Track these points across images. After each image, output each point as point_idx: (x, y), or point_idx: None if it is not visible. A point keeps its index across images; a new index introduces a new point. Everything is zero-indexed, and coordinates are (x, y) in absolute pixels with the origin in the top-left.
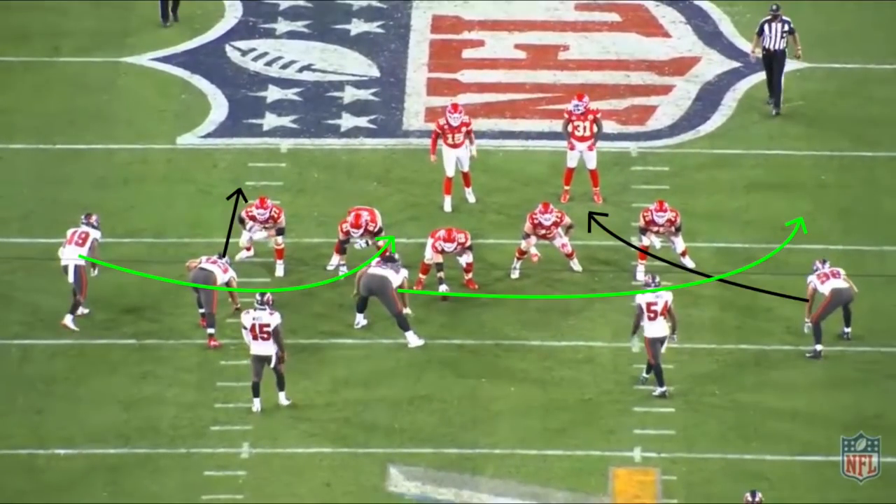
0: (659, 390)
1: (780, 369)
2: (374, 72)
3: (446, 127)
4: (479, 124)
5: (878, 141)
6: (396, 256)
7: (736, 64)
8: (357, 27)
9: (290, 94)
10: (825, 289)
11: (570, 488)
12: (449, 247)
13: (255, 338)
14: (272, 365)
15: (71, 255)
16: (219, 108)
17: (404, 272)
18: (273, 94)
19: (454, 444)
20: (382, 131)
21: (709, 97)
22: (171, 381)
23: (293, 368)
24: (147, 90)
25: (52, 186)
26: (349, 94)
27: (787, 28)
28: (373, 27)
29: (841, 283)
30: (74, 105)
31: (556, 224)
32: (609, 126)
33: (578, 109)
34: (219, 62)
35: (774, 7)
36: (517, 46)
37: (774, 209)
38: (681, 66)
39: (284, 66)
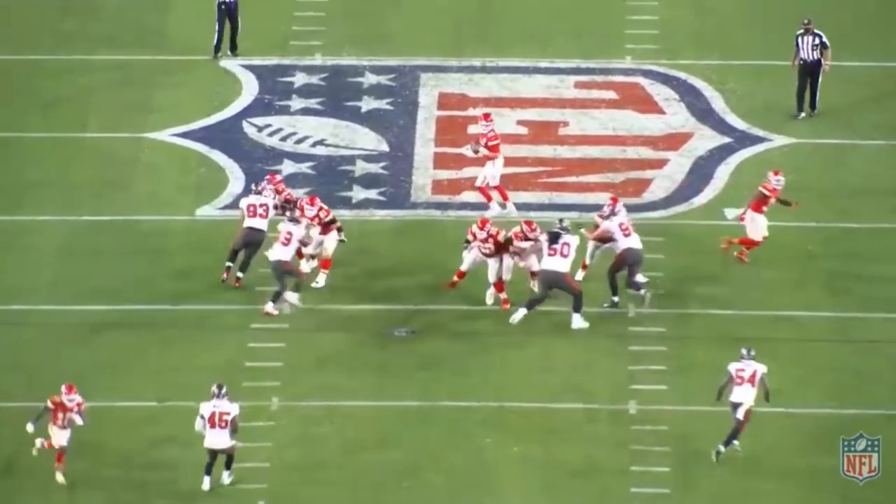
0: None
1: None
2: (384, 146)
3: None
4: (482, 197)
5: (860, 212)
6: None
7: (727, 139)
8: (368, 104)
9: (304, 167)
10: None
11: None
12: (480, 234)
13: (213, 426)
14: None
15: (276, 254)
16: (236, 181)
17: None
18: (287, 167)
19: (460, 502)
20: (391, 203)
21: (701, 171)
22: (187, 444)
23: (307, 432)
24: (168, 164)
25: (79, 257)
26: (360, 168)
27: (818, 42)
28: (383, 104)
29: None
30: (100, 178)
31: (491, 237)
32: (606, 198)
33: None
34: (236, 137)
35: (805, 21)
36: (519, 122)
37: (764, 278)
38: (675, 141)
39: (298, 142)
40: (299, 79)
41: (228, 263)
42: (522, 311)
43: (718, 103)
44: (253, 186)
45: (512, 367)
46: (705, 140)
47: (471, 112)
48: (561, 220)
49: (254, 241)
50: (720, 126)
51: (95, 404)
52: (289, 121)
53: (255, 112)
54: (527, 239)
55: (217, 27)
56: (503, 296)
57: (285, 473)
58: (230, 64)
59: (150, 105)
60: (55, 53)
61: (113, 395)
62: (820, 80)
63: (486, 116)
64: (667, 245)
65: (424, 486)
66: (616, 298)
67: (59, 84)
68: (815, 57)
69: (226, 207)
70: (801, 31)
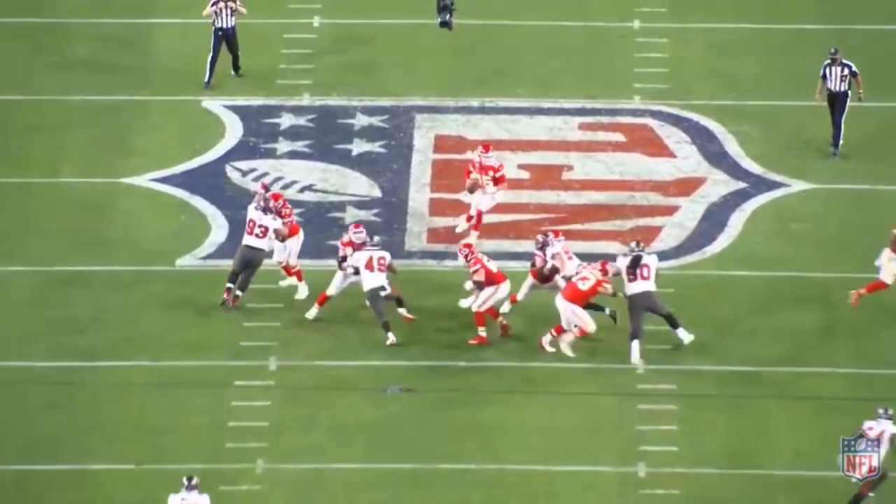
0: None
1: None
2: (376, 192)
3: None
4: (482, 245)
5: None
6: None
7: (742, 184)
8: (359, 147)
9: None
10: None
11: None
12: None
13: None
14: None
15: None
16: (219, 229)
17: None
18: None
19: None
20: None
21: (714, 218)
22: None
23: (295, 496)
24: (147, 211)
25: (52, 310)
26: (351, 215)
27: (846, 72)
28: (375, 147)
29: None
30: (74, 227)
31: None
32: (613, 247)
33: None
34: (219, 182)
35: (832, 50)
36: (520, 166)
37: (783, 332)
38: (686, 186)
39: (285, 187)
40: (286, 120)
41: (229, 284)
42: (636, 346)
43: (732, 146)
44: (258, 202)
45: (512, 426)
46: (719, 185)
47: (468, 155)
48: (638, 243)
49: (251, 261)
50: (734, 170)
51: (70, 467)
52: (275, 164)
53: (239, 155)
54: (606, 273)
55: (211, 55)
56: (501, 320)
57: None
58: (213, 105)
59: (128, 148)
60: (27, 94)
61: (89, 458)
62: (845, 113)
63: (487, 147)
64: (678, 297)
65: None
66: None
67: (31, 126)
68: (843, 88)
69: (207, 257)
70: (828, 61)
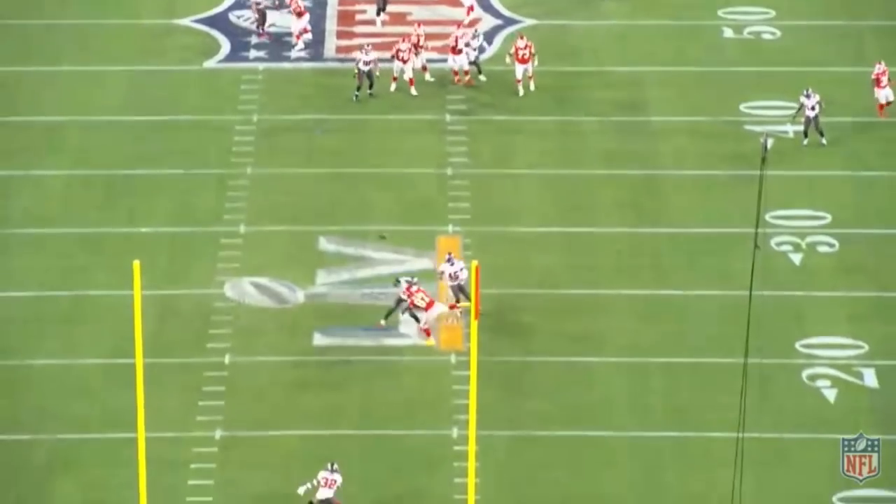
0: None
1: None
2: (308, 26)
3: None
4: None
5: (577, 60)
6: None
7: (499, 21)
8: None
9: (265, 41)
10: None
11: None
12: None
13: None
14: None
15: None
16: (226, 45)
17: None
18: (255, 40)
19: None
20: (313, 59)
21: (487, 37)
22: None
23: None
24: (188, 37)
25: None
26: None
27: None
28: (307, 3)
29: None
30: (146, 46)
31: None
32: (433, 54)
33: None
34: (226, 22)
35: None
36: (387, 13)
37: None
38: (473, 21)
39: (259, 26)
40: None
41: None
42: None
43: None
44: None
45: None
46: (488, 20)
47: (357, 7)
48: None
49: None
50: (496, 13)
51: None
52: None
53: (237, 7)
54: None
55: None
56: None
57: None
58: None
59: (174, 3)
60: None
61: None
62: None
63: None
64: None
65: None
66: None
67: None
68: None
69: (220, 62)
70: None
